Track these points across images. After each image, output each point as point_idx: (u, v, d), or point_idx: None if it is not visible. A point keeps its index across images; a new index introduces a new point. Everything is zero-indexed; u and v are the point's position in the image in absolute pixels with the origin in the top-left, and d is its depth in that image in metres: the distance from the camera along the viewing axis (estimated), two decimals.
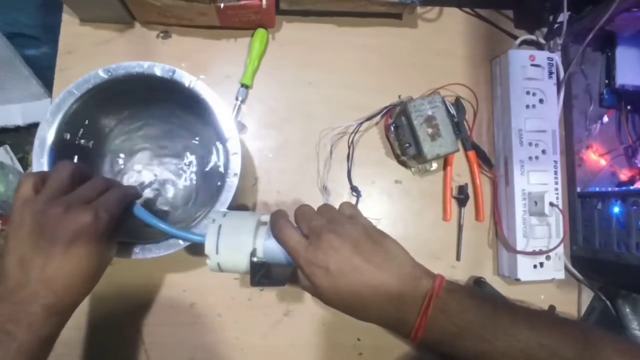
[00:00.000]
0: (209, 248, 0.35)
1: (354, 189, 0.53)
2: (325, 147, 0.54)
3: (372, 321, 0.34)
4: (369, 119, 0.54)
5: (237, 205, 0.52)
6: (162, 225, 0.37)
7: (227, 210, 0.40)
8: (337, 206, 0.38)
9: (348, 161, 0.53)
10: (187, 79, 0.42)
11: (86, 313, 0.49)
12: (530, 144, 0.53)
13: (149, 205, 0.49)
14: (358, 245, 0.33)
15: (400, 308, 0.32)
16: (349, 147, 0.53)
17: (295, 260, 0.34)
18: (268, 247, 0.36)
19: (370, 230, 0.35)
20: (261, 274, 0.36)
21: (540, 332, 0.32)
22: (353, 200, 0.53)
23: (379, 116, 0.55)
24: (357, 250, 0.32)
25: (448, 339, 0.32)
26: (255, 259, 0.36)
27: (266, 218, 0.38)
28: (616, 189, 0.54)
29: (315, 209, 0.37)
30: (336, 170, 0.54)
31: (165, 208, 0.49)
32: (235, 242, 0.36)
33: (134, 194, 0.39)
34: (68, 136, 0.42)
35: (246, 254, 0.36)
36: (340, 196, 0.54)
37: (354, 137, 0.53)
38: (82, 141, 0.46)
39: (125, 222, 0.37)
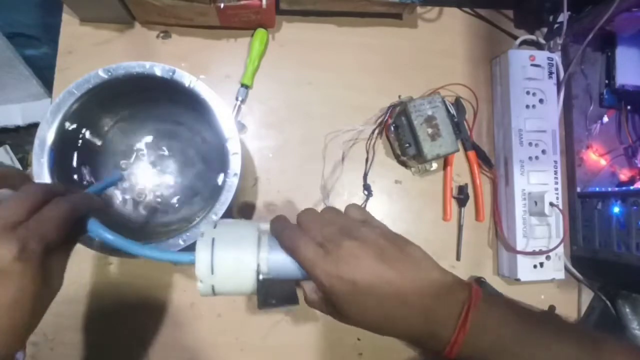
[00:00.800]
0: (201, 268, 0.29)
1: (366, 187, 0.53)
2: (330, 149, 0.53)
3: (399, 336, 0.30)
4: (379, 124, 0.54)
5: (238, 205, 0.52)
6: (131, 246, 0.30)
7: (217, 219, 0.35)
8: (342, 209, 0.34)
9: (366, 165, 0.54)
10: (187, 79, 0.41)
11: (86, 313, 0.49)
12: (530, 144, 0.53)
13: (150, 207, 0.49)
14: (382, 252, 0.29)
15: (433, 321, 0.28)
16: (367, 152, 0.54)
17: (312, 274, 0.29)
18: (275, 261, 0.30)
19: (390, 235, 0.31)
20: (269, 293, 0.30)
21: (581, 349, 0.29)
22: (360, 201, 0.53)
23: (380, 114, 0.55)
24: (382, 258, 0.29)
25: (482, 355, 0.28)
26: (262, 277, 0.30)
27: (266, 226, 0.33)
28: (616, 189, 0.54)
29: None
30: (336, 171, 0.54)
31: (166, 209, 0.49)
32: (236, 258, 0.29)
33: (87, 205, 0.31)
34: (68, 136, 0.42)
35: (251, 271, 0.29)
36: (339, 195, 0.54)
37: (374, 142, 0.54)
38: (82, 141, 0.46)
39: (75, 243, 0.30)
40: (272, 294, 0.30)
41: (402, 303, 0.28)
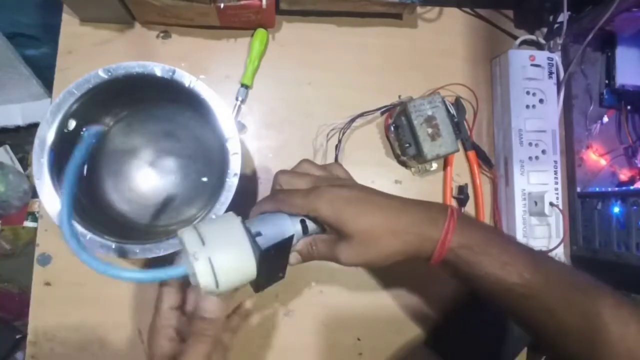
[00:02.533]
0: (204, 281, 0.28)
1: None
2: (322, 144, 0.54)
3: (394, 249, 0.33)
4: (362, 115, 0.54)
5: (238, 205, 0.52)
6: (116, 272, 0.29)
7: (188, 226, 0.31)
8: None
9: (336, 150, 0.53)
10: (187, 79, 0.41)
11: (86, 313, 0.49)
12: (530, 144, 0.53)
13: (150, 207, 0.49)
14: (368, 187, 0.35)
15: (426, 227, 0.33)
16: (339, 140, 0.53)
17: (313, 207, 0.32)
18: (267, 233, 0.31)
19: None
20: (265, 274, 0.31)
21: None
22: None
23: (377, 113, 0.55)
24: (370, 189, 0.35)
25: (466, 255, 0.33)
26: (263, 248, 0.30)
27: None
28: (616, 189, 0.54)
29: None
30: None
31: (166, 209, 0.49)
32: (235, 255, 0.29)
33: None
34: (68, 136, 0.42)
35: (250, 260, 0.29)
36: None
37: (344, 132, 0.53)
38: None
39: None
40: (267, 273, 0.31)
41: (398, 214, 0.33)
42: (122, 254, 0.40)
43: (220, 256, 0.28)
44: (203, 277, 0.28)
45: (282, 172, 0.37)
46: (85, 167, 0.47)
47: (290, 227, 0.34)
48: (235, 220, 0.31)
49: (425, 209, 0.34)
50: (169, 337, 0.33)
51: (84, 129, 0.26)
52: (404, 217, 0.33)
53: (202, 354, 0.31)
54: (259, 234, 0.32)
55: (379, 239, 0.32)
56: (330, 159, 0.54)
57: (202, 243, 0.29)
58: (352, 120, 0.53)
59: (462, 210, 0.54)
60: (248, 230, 0.30)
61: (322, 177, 0.37)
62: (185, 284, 0.33)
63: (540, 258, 0.35)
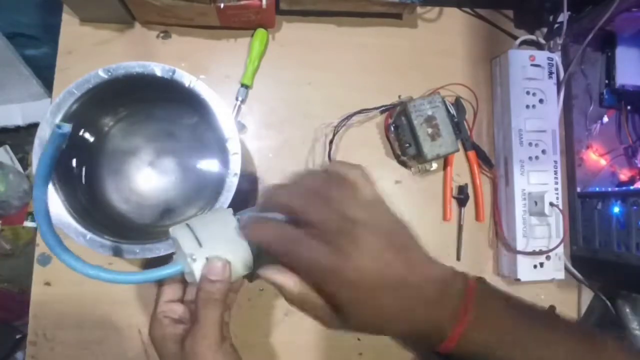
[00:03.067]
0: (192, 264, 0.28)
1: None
2: (322, 144, 0.54)
3: (400, 331, 0.29)
4: (360, 112, 0.54)
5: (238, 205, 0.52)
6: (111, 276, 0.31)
7: (181, 225, 0.31)
8: None
9: (329, 147, 0.53)
10: (187, 79, 0.41)
11: (86, 313, 0.49)
12: (530, 144, 0.53)
13: (150, 207, 0.49)
14: (391, 240, 0.28)
15: (434, 314, 0.28)
16: (333, 137, 0.53)
17: (315, 276, 0.27)
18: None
19: (397, 222, 0.30)
20: (258, 267, 0.30)
21: (580, 346, 0.30)
22: None
23: (375, 112, 0.55)
24: (392, 246, 0.27)
25: (478, 349, 0.28)
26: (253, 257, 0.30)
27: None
28: (616, 189, 0.54)
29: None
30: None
31: (165, 209, 0.49)
32: (230, 254, 0.29)
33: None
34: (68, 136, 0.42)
35: (247, 257, 0.29)
36: None
37: (339, 130, 0.53)
38: (82, 141, 0.46)
39: None
40: (261, 265, 0.29)
41: (408, 296, 0.27)
42: (122, 253, 0.40)
43: (217, 255, 0.29)
44: (196, 269, 0.29)
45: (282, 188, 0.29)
46: (87, 168, 0.47)
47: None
48: (229, 217, 0.30)
49: (438, 295, 0.28)
50: (173, 321, 0.33)
51: (56, 126, 0.26)
52: (411, 306, 0.27)
53: (215, 317, 0.30)
54: None
55: (382, 326, 0.28)
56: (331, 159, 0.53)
57: (198, 244, 0.29)
58: (349, 117, 0.53)
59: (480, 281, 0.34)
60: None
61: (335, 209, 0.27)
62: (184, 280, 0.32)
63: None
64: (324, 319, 0.29)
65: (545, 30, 0.57)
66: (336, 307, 0.27)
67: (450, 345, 0.28)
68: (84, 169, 0.46)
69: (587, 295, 0.56)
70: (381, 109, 0.54)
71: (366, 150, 0.54)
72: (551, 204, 0.51)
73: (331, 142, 0.53)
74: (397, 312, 0.27)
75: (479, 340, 0.28)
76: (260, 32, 0.53)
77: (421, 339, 0.29)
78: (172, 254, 0.32)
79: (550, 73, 0.54)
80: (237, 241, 0.29)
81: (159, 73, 0.41)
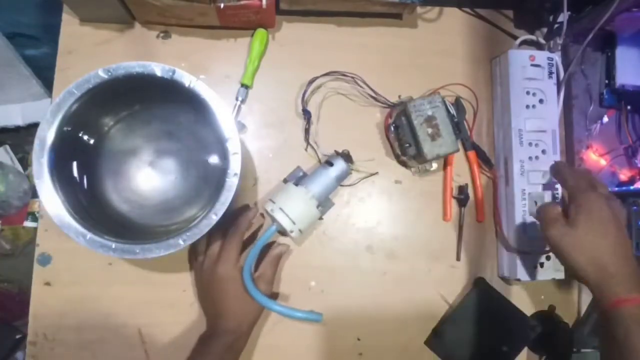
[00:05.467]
0: (287, 225, 0.46)
1: (305, 112, 0.53)
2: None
3: (585, 270, 0.40)
4: (334, 72, 0.54)
5: (238, 205, 0.52)
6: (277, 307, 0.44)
7: (279, 210, 0.47)
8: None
9: (304, 115, 0.53)
10: (187, 79, 0.41)
11: (86, 313, 0.49)
12: (530, 144, 0.53)
13: (150, 207, 0.49)
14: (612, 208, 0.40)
15: (620, 275, 0.38)
16: (303, 95, 0.53)
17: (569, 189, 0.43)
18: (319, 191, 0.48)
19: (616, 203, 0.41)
20: None
21: None
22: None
23: (375, 108, 0.55)
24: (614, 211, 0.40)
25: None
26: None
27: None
28: (616, 189, 0.54)
29: None
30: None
31: (165, 209, 0.49)
32: (305, 212, 0.47)
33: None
34: (68, 136, 0.42)
35: (315, 213, 0.48)
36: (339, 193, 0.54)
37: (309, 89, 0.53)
38: (82, 141, 0.46)
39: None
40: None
41: (614, 250, 0.39)
42: (122, 253, 0.40)
43: (303, 226, 0.47)
44: (295, 236, 0.48)
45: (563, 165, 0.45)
46: (87, 168, 0.47)
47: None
48: (304, 194, 0.47)
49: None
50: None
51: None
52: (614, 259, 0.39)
53: (237, 239, 0.46)
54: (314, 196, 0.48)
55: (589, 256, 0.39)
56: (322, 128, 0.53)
57: (292, 222, 0.46)
58: (314, 79, 0.53)
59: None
60: (318, 204, 0.48)
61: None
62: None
63: None
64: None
65: (545, 30, 0.57)
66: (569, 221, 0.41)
67: (615, 303, 0.37)
68: (84, 169, 0.46)
69: (587, 295, 0.56)
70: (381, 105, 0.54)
71: (366, 151, 0.54)
72: None
73: (304, 102, 0.53)
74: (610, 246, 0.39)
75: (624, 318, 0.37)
76: (260, 32, 0.53)
77: (603, 285, 0.39)
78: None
79: (550, 73, 0.54)
80: (314, 212, 0.48)
81: (159, 73, 0.41)
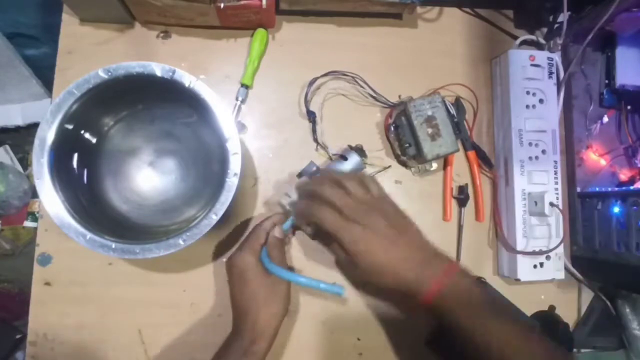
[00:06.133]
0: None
1: (310, 113, 0.54)
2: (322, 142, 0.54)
3: (392, 284, 0.40)
4: (334, 72, 0.54)
5: (238, 205, 0.52)
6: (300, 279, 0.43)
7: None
8: None
9: (306, 106, 0.54)
10: (187, 79, 0.41)
11: (86, 313, 0.49)
12: (530, 144, 0.53)
13: (150, 207, 0.49)
14: (391, 224, 0.40)
15: (421, 273, 0.39)
16: (305, 95, 0.53)
17: (336, 236, 0.40)
18: None
19: (398, 213, 0.43)
20: None
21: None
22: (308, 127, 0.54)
23: (377, 106, 0.55)
24: (392, 227, 0.40)
25: (448, 313, 0.39)
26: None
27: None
28: (616, 189, 0.54)
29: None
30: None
31: (165, 209, 0.49)
32: None
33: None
34: (68, 136, 0.42)
35: None
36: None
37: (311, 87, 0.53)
38: (82, 141, 0.46)
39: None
40: None
41: (405, 259, 0.40)
42: (122, 254, 0.40)
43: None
44: (308, 232, 0.49)
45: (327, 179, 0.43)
46: (87, 168, 0.47)
47: None
48: None
49: (425, 263, 0.40)
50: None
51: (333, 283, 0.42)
52: (405, 267, 0.40)
53: (256, 237, 0.46)
54: None
55: (382, 276, 0.40)
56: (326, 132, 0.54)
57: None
58: (315, 80, 0.53)
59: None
60: None
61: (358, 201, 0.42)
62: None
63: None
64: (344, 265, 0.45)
65: (545, 30, 0.57)
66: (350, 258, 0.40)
67: (428, 299, 0.39)
68: (84, 169, 0.46)
69: (587, 295, 0.56)
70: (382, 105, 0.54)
71: (366, 151, 0.54)
72: (551, 204, 0.51)
73: (306, 99, 0.53)
74: (388, 264, 0.39)
75: (449, 304, 0.39)
76: (260, 32, 0.53)
77: (406, 292, 0.40)
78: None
79: (550, 73, 0.54)
80: None
81: (159, 73, 0.41)
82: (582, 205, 0.55)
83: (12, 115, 0.96)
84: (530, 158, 0.53)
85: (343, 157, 0.50)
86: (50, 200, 0.40)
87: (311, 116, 0.53)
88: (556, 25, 0.55)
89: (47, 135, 0.40)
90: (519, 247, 0.51)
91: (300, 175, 0.51)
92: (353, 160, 0.50)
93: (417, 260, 0.40)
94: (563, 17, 0.52)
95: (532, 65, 0.54)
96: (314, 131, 0.53)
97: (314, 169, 0.51)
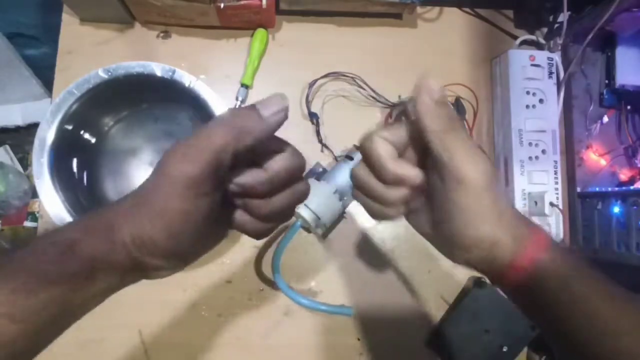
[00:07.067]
0: (310, 221, 0.46)
1: (312, 115, 0.53)
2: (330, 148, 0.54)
3: (483, 235, 0.29)
4: (335, 73, 0.54)
5: None
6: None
7: (305, 208, 0.46)
8: None
9: (307, 106, 0.54)
10: (187, 79, 0.42)
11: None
12: (530, 144, 0.53)
13: None
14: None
15: (513, 227, 0.29)
16: (307, 96, 0.53)
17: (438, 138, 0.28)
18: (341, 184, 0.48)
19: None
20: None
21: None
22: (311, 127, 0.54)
23: (378, 104, 0.55)
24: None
25: (541, 279, 0.29)
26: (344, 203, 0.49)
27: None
28: (616, 189, 0.54)
29: None
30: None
31: None
32: (330, 207, 0.48)
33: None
34: (68, 136, 0.42)
35: (338, 207, 0.48)
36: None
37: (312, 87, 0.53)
38: (82, 141, 0.46)
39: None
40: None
41: (505, 210, 0.29)
42: None
43: (327, 220, 0.48)
44: (321, 232, 0.49)
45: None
46: (87, 167, 0.47)
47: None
48: (327, 189, 0.48)
49: (519, 218, 0.30)
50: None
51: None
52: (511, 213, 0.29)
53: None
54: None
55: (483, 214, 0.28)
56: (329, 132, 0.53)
57: (317, 217, 0.46)
58: (315, 81, 0.53)
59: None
60: (340, 198, 0.48)
61: None
62: None
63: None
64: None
65: (545, 30, 0.57)
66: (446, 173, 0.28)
67: (521, 266, 0.28)
68: (84, 169, 0.46)
69: None
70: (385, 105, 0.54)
71: None
72: (551, 204, 0.51)
73: (307, 101, 0.53)
74: (484, 213, 0.28)
75: (552, 270, 0.28)
76: (260, 32, 0.53)
77: (497, 252, 0.29)
78: None
79: (550, 73, 0.54)
80: (338, 206, 0.48)
81: (159, 73, 0.41)
82: (582, 205, 0.55)
83: (12, 115, 0.96)
84: (530, 158, 0.53)
85: (349, 157, 0.50)
86: (50, 200, 0.40)
87: (314, 118, 0.53)
88: (556, 25, 0.55)
89: (47, 135, 0.40)
90: None
91: (307, 176, 0.51)
92: (359, 159, 0.50)
93: (510, 212, 0.29)
94: (563, 17, 0.52)
95: (532, 65, 0.54)
96: (317, 133, 0.53)
97: (320, 170, 0.51)
